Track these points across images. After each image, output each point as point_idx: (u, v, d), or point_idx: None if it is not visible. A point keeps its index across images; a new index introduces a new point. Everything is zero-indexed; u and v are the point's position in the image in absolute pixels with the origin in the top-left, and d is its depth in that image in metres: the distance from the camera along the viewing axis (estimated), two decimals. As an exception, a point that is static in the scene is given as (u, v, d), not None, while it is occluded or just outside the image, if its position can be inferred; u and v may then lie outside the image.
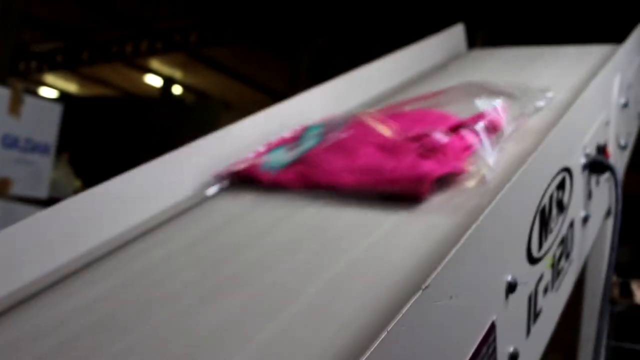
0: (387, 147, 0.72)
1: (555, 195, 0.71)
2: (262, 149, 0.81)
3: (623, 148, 1.03)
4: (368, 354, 0.39)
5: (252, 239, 0.66)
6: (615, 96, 0.97)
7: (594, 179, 0.86)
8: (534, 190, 0.66)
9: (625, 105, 1.02)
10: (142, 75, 10.24)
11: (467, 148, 0.71)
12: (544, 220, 0.68)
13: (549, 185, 0.69)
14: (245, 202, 0.74)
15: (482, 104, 0.79)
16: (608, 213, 0.96)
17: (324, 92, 0.99)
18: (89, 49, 9.42)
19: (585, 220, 0.83)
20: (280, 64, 8.20)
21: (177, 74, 9.99)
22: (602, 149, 0.88)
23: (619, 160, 1.00)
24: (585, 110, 0.85)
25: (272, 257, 0.61)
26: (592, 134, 0.85)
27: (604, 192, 0.93)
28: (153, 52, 8.96)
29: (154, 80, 10.23)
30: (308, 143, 0.78)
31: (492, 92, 0.83)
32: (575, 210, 0.79)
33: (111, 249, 0.68)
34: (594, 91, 0.88)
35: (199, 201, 0.76)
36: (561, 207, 0.73)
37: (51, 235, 0.66)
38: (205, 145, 0.81)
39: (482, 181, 0.66)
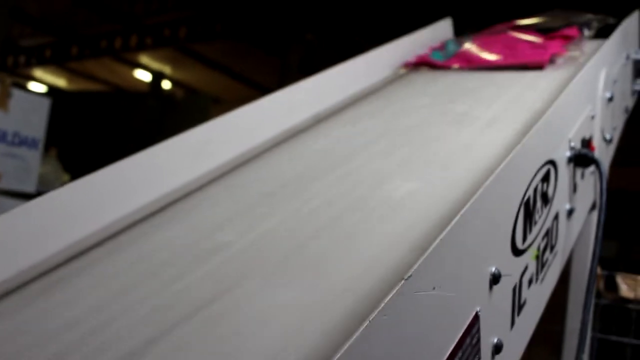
0: (510, 43, 1.20)
1: (539, 187, 0.71)
2: (424, 51, 1.24)
3: (608, 142, 1.03)
4: (349, 343, 0.39)
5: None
6: (601, 90, 0.98)
7: (579, 172, 0.87)
8: (518, 182, 0.66)
9: (611, 99, 1.02)
10: (131, 70, 10.21)
11: (565, 40, 1.17)
12: (528, 212, 0.68)
13: (533, 177, 0.69)
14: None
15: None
16: (593, 206, 0.96)
17: (313, 85, 0.99)
18: (78, 44, 9.38)
19: (570, 213, 0.84)
20: (269, 59, 8.19)
21: (166, 69, 9.97)
22: (587, 143, 0.89)
23: (604, 154, 1.01)
24: (571, 104, 0.85)
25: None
26: (577, 127, 0.85)
27: (589, 186, 0.94)
28: (142, 47, 8.93)
29: (143, 75, 10.20)
30: (453, 48, 1.24)
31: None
32: (560, 202, 0.79)
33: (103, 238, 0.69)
34: (579, 85, 0.88)
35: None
36: (546, 200, 0.73)
37: (38, 226, 0.66)
38: (191, 137, 0.81)
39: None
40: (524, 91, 0.99)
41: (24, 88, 2.43)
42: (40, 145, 2.45)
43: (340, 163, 0.78)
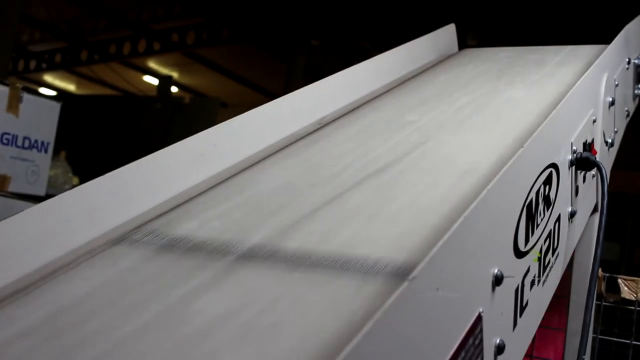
0: None
1: (542, 190, 0.72)
2: None
3: (610, 145, 1.04)
4: (355, 342, 0.40)
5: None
6: (603, 95, 0.99)
7: (580, 175, 0.88)
8: (521, 185, 0.67)
9: (612, 103, 1.03)
10: (139, 75, 10.25)
11: None
12: (530, 214, 0.69)
13: (535, 180, 0.70)
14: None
15: None
16: (595, 209, 0.97)
17: (318, 90, 1.00)
18: (88, 49, 9.42)
19: (571, 215, 0.85)
20: (275, 64, 8.20)
21: (174, 73, 10.00)
22: (589, 146, 0.90)
23: (605, 157, 1.02)
24: (572, 108, 0.86)
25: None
26: (579, 131, 0.86)
27: (591, 189, 0.95)
28: (150, 53, 8.96)
29: (151, 80, 10.23)
30: None
31: None
32: (562, 205, 0.80)
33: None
34: (581, 90, 0.89)
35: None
36: (548, 202, 0.74)
37: (46, 228, 0.66)
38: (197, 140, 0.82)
39: None
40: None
41: (34, 92, 2.43)
42: (50, 149, 2.47)
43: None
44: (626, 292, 1.41)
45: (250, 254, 0.58)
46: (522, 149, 0.66)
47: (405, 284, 0.45)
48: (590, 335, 0.93)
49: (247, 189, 0.74)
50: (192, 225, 0.67)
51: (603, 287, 1.43)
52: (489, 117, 0.89)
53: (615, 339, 1.49)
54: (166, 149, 0.77)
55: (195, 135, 0.81)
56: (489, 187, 0.59)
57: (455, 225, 0.52)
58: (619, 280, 1.43)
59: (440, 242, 0.50)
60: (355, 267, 0.52)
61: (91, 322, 0.51)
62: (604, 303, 1.44)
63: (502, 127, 0.82)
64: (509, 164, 0.63)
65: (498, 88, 1.02)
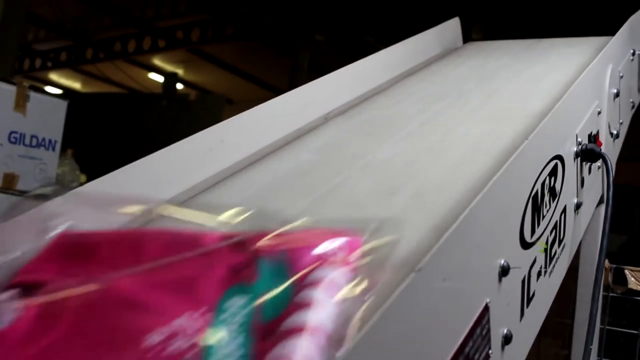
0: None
1: (547, 182, 0.73)
2: None
3: (615, 137, 1.05)
4: (364, 331, 0.40)
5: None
6: (607, 86, 0.99)
7: (586, 166, 0.88)
8: (526, 177, 0.68)
9: (617, 95, 1.04)
10: (145, 72, 10.26)
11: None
12: (536, 206, 0.69)
13: (541, 172, 0.71)
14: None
15: None
16: (601, 200, 0.97)
17: (323, 85, 1.00)
18: (93, 47, 9.44)
19: (577, 207, 0.85)
20: (280, 60, 8.20)
21: (179, 70, 10.01)
22: (594, 138, 0.90)
23: (611, 148, 1.02)
24: (577, 100, 0.86)
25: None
26: (584, 123, 0.87)
27: (597, 180, 0.95)
28: (155, 50, 8.98)
29: (156, 77, 10.25)
30: None
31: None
32: (568, 197, 0.81)
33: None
34: (586, 81, 0.90)
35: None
36: (553, 194, 0.75)
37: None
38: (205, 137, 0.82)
39: None
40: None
41: (41, 91, 2.44)
42: (58, 147, 2.48)
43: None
44: (633, 283, 1.42)
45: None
46: (526, 140, 0.67)
47: (413, 275, 0.46)
48: (598, 325, 0.93)
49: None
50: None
51: (610, 279, 1.43)
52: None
53: (623, 330, 1.49)
54: (173, 145, 0.78)
55: (202, 132, 0.82)
56: (494, 178, 0.59)
57: (462, 216, 0.53)
58: (626, 271, 1.44)
59: (447, 234, 0.51)
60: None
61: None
62: (611, 294, 1.44)
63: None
64: (514, 155, 0.64)
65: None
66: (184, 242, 0.49)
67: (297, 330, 0.41)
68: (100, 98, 8.44)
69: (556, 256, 0.77)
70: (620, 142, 1.10)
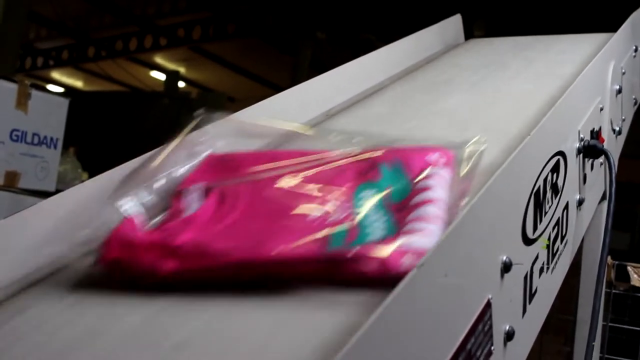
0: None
1: (549, 178, 0.72)
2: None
3: (618, 133, 1.04)
4: (365, 327, 0.40)
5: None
6: (610, 82, 0.99)
7: (588, 163, 0.88)
8: (528, 173, 0.68)
9: (619, 91, 1.03)
10: (146, 70, 10.27)
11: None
12: (538, 202, 0.69)
13: (543, 168, 0.71)
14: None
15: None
16: (603, 197, 0.97)
17: (325, 82, 1.00)
18: (94, 46, 9.44)
19: (580, 203, 0.85)
20: (282, 58, 8.21)
21: (180, 68, 10.01)
22: (596, 134, 0.90)
23: (613, 145, 1.02)
24: (579, 96, 0.86)
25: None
26: (586, 119, 0.86)
27: (599, 176, 0.95)
28: (157, 48, 8.98)
29: (158, 75, 10.25)
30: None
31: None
32: (570, 193, 0.81)
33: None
34: (588, 77, 0.89)
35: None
36: (556, 190, 0.75)
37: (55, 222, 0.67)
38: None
39: None
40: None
41: (42, 89, 2.44)
42: (59, 145, 2.49)
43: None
44: (636, 280, 1.42)
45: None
46: (528, 137, 0.66)
47: (414, 270, 0.45)
48: (600, 322, 0.93)
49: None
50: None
51: (613, 275, 1.43)
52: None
53: (626, 327, 1.49)
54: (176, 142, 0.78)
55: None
56: (496, 174, 0.59)
57: (463, 213, 0.53)
58: (629, 268, 1.44)
59: (448, 230, 0.50)
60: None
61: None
62: (614, 291, 1.44)
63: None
64: (515, 151, 0.64)
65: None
66: (316, 157, 0.66)
67: (424, 203, 0.58)
68: (102, 96, 8.44)
69: (558, 253, 0.77)
70: (622, 138, 1.10)
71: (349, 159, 0.66)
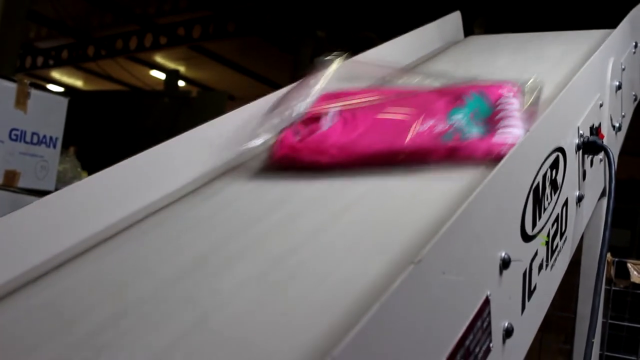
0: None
1: (549, 174, 0.72)
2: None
3: (618, 130, 1.04)
4: (362, 324, 0.40)
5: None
6: (609, 79, 0.99)
7: (588, 159, 0.88)
8: (527, 169, 0.68)
9: (619, 87, 1.03)
10: (146, 69, 10.26)
11: None
12: (537, 198, 0.69)
13: (542, 164, 0.70)
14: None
15: None
16: (603, 193, 0.97)
17: (323, 79, 1.00)
18: (94, 45, 9.44)
19: (579, 199, 0.85)
20: (282, 56, 8.20)
21: (181, 67, 10.01)
22: (596, 130, 0.90)
23: (613, 141, 1.02)
24: (579, 92, 0.86)
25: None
26: (585, 115, 0.86)
27: (599, 173, 0.94)
28: (157, 47, 8.97)
29: (158, 75, 10.25)
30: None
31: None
32: (570, 189, 0.80)
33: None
34: (587, 73, 0.89)
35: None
36: (555, 186, 0.74)
37: (58, 219, 0.67)
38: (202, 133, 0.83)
39: None
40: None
41: (42, 88, 2.44)
42: (59, 144, 2.48)
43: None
44: (635, 277, 1.41)
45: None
46: (528, 132, 0.66)
47: (411, 267, 0.45)
48: (600, 319, 0.93)
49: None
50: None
51: (613, 272, 1.43)
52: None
53: (626, 324, 1.49)
54: (177, 137, 0.79)
55: (202, 126, 0.82)
56: (494, 170, 0.59)
57: (461, 208, 0.53)
58: (628, 265, 1.44)
59: (447, 226, 0.50)
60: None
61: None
62: (614, 288, 1.44)
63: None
64: (515, 147, 0.64)
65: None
66: (414, 91, 0.88)
67: (506, 116, 0.77)
68: (102, 95, 8.45)
69: (558, 249, 0.77)
70: (622, 134, 1.10)
71: (438, 92, 0.86)
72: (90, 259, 0.66)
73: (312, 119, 0.85)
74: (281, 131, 0.84)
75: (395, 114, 0.82)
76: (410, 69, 1.13)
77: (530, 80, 0.85)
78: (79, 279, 0.62)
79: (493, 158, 0.70)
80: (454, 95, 0.84)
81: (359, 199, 0.71)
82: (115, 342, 0.51)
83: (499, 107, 0.80)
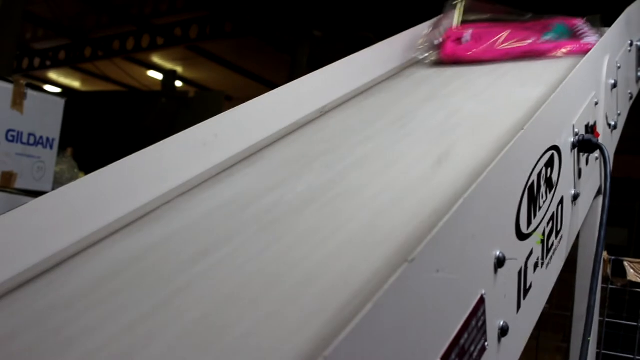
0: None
1: (543, 172, 0.72)
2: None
3: (613, 128, 1.04)
4: (356, 322, 0.40)
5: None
6: (605, 77, 0.98)
7: (583, 158, 0.87)
8: (522, 168, 0.67)
9: (615, 86, 1.03)
10: (143, 70, 10.26)
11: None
12: (532, 197, 0.69)
13: (537, 162, 0.70)
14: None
15: None
16: (599, 192, 0.97)
17: (321, 77, 1.00)
18: (91, 46, 9.43)
19: (575, 198, 0.85)
20: (279, 56, 8.20)
21: (178, 68, 10.00)
22: (591, 129, 0.90)
23: (608, 139, 1.02)
24: (574, 90, 0.86)
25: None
26: (580, 113, 0.86)
27: (594, 171, 0.94)
28: (154, 48, 8.97)
29: (155, 75, 10.25)
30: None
31: None
32: (565, 188, 0.80)
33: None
34: (583, 72, 0.89)
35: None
36: (550, 185, 0.74)
37: (53, 219, 0.67)
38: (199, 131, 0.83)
39: None
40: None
41: (38, 89, 2.43)
42: (56, 145, 2.48)
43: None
44: (632, 275, 1.41)
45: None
46: (522, 131, 0.66)
47: (405, 265, 0.45)
48: (597, 317, 0.93)
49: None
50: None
51: (609, 271, 1.43)
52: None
53: (623, 322, 1.49)
54: (169, 139, 0.78)
55: (196, 126, 0.81)
56: (489, 168, 0.59)
57: (456, 206, 0.52)
58: (625, 263, 1.44)
59: (441, 224, 0.50)
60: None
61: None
62: (611, 287, 1.44)
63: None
64: (509, 146, 0.63)
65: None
66: (520, 25, 1.23)
67: (585, 32, 1.13)
68: (99, 96, 8.44)
69: (553, 248, 0.77)
70: (618, 133, 1.10)
71: (533, 22, 1.22)
72: (88, 258, 0.66)
73: (457, 37, 1.23)
74: (438, 45, 1.23)
75: (507, 31, 1.20)
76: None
77: (590, 17, 1.18)
78: (77, 279, 0.62)
79: (584, 51, 1.02)
80: (543, 25, 1.20)
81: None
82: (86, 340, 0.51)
83: (576, 29, 1.16)
